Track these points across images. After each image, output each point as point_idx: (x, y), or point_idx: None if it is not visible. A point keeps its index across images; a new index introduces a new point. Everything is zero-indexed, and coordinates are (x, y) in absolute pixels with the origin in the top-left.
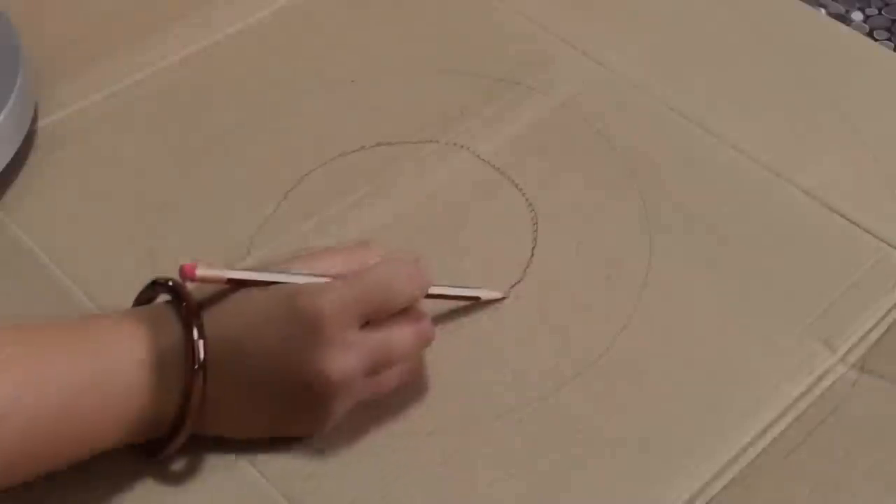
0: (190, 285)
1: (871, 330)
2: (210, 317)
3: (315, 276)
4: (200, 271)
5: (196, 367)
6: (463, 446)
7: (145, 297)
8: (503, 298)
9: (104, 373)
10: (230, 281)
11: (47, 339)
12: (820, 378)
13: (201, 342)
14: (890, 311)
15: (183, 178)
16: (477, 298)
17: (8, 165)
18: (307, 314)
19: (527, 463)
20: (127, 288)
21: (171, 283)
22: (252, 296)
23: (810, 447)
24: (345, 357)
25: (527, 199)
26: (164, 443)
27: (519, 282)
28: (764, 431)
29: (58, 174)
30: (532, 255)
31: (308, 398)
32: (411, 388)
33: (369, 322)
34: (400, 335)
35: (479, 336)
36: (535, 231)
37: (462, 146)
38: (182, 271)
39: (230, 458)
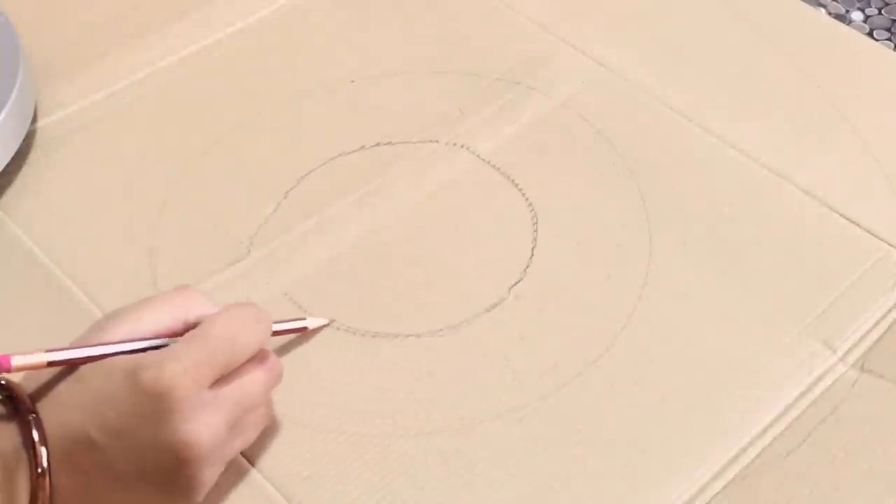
0: (19, 375)
1: (871, 329)
2: (48, 409)
3: (149, 343)
4: (16, 361)
5: (39, 471)
6: (462, 446)
7: None
8: (329, 324)
9: None
10: (52, 364)
11: None
12: (820, 378)
13: (43, 448)
14: (890, 310)
15: (183, 178)
16: (304, 329)
17: (8, 165)
18: (155, 390)
19: (527, 463)
20: (127, 288)
21: (1, 382)
22: (85, 377)
23: (810, 447)
24: (207, 420)
25: (527, 199)
26: None
27: (519, 282)
28: (764, 431)
29: (58, 174)
30: (532, 255)
31: (179, 472)
32: (412, 391)
33: (220, 377)
34: (252, 381)
35: (479, 334)
36: (535, 231)
37: (462, 146)
38: None
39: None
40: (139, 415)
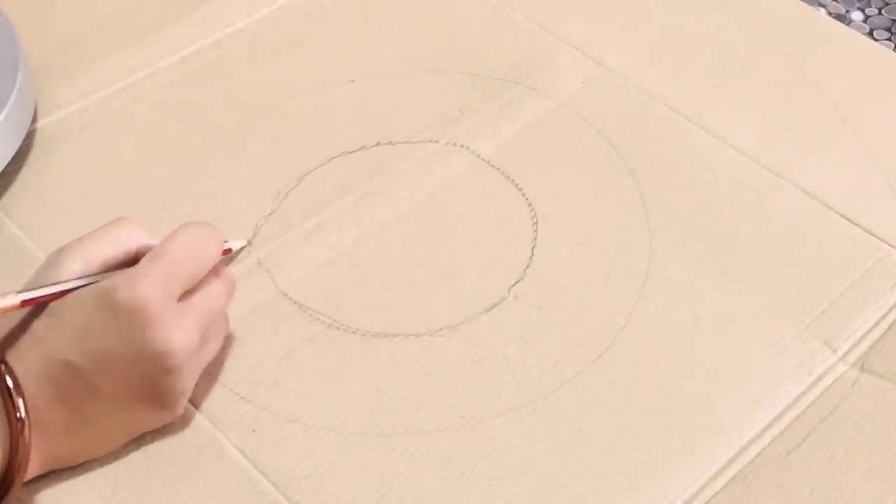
0: None
1: (871, 329)
2: (26, 349)
3: (108, 276)
4: None
5: (18, 417)
6: (462, 446)
7: None
8: (246, 245)
9: None
10: (25, 303)
11: None
12: (820, 378)
13: (20, 399)
14: (890, 310)
15: (182, 178)
16: (228, 251)
17: (8, 165)
18: (131, 307)
19: (527, 462)
20: None
21: None
22: (57, 312)
23: (810, 447)
24: (181, 330)
25: (527, 199)
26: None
27: (519, 281)
28: (763, 431)
29: (57, 174)
30: (532, 254)
31: (162, 383)
32: (412, 390)
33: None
34: (214, 292)
35: (479, 334)
36: (535, 231)
37: (462, 146)
38: None
39: (230, 457)
40: (118, 335)
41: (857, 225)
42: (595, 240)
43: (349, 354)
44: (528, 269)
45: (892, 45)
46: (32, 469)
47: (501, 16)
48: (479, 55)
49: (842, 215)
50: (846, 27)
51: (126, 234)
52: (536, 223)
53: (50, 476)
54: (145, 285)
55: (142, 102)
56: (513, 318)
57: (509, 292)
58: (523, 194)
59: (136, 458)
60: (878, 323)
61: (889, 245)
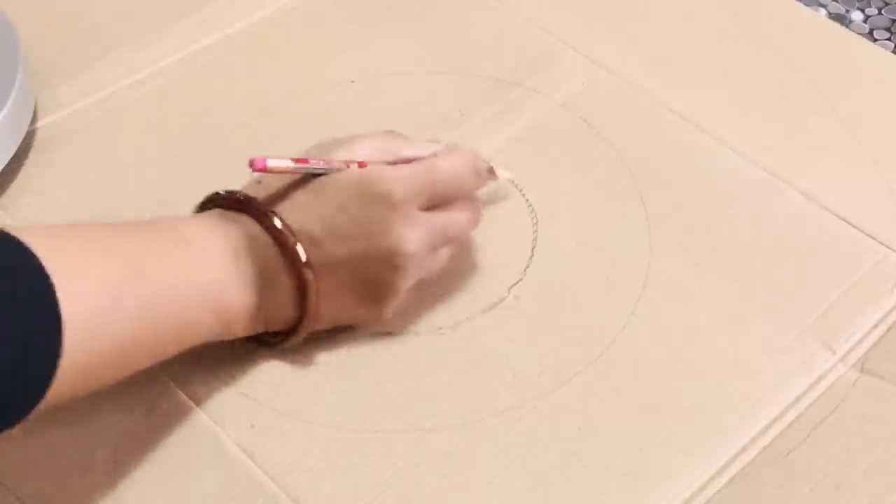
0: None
1: (870, 331)
2: (285, 212)
3: (382, 162)
4: (271, 163)
5: (304, 260)
6: (462, 444)
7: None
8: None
9: (197, 261)
10: (297, 164)
11: (138, 234)
12: (820, 378)
13: (299, 244)
14: (889, 312)
15: (182, 178)
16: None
17: (7, 165)
18: (383, 197)
19: (526, 461)
20: None
21: (224, 193)
22: (319, 188)
23: (810, 446)
24: (417, 233)
25: (527, 200)
26: (284, 336)
27: (519, 281)
28: (764, 431)
29: (57, 174)
30: (532, 254)
31: (384, 278)
32: (413, 388)
33: (432, 206)
34: (459, 217)
35: (479, 334)
36: (535, 231)
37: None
38: (252, 164)
39: (230, 453)
40: (367, 220)
41: (856, 228)
42: (595, 240)
43: (349, 352)
44: (528, 270)
45: (893, 45)
46: None
47: (502, 17)
48: (479, 56)
49: (840, 218)
50: (845, 29)
51: (395, 142)
52: (536, 224)
53: (52, 470)
54: (402, 181)
55: (142, 102)
56: (513, 318)
57: (509, 292)
58: (523, 195)
59: (135, 452)
60: (877, 325)
61: (888, 248)
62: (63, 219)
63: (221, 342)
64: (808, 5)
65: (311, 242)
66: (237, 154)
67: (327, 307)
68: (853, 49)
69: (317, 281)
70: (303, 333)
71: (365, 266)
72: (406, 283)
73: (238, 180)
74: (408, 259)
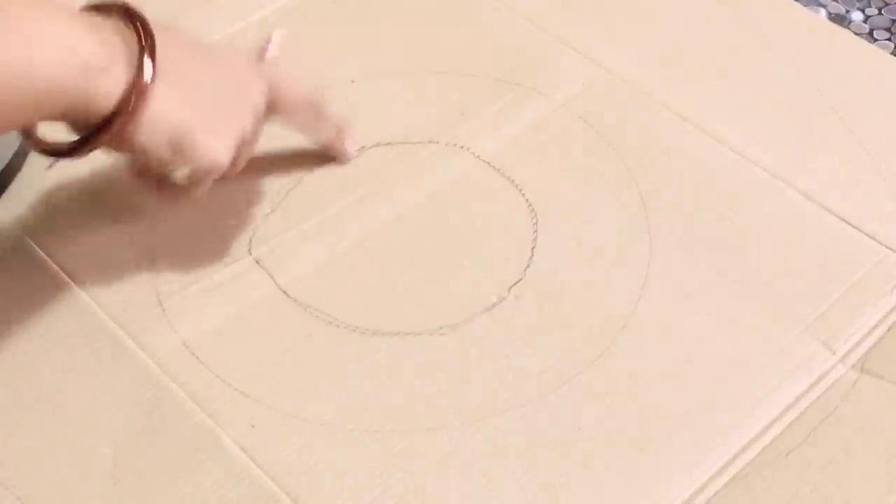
0: None
1: (870, 331)
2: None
3: None
4: None
5: (144, 45)
6: (463, 443)
7: None
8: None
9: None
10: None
11: None
12: (820, 378)
13: (151, 36)
14: (889, 312)
15: None
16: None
17: (8, 164)
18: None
19: (526, 460)
20: (126, 286)
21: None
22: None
23: (811, 446)
24: (263, 86)
25: (526, 200)
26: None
27: (519, 281)
28: (764, 431)
29: (57, 174)
30: (532, 255)
31: (233, 102)
32: (411, 388)
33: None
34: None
35: (479, 334)
36: (535, 231)
37: (462, 147)
38: None
39: (228, 454)
40: (225, 58)
41: (856, 228)
42: (595, 240)
43: (348, 352)
44: (527, 270)
45: (893, 45)
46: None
47: (502, 17)
48: (479, 56)
49: (840, 218)
50: (846, 30)
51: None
52: (536, 223)
53: (51, 470)
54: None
55: None
56: (513, 318)
57: (509, 292)
58: (523, 195)
59: (135, 452)
60: (877, 325)
61: (888, 248)
62: (63, 218)
63: (221, 341)
64: (807, 5)
65: (175, 47)
66: None
67: (160, 109)
68: (853, 50)
69: (155, 78)
70: (122, 123)
71: (213, 83)
72: (249, 119)
73: (238, 180)
74: (257, 91)
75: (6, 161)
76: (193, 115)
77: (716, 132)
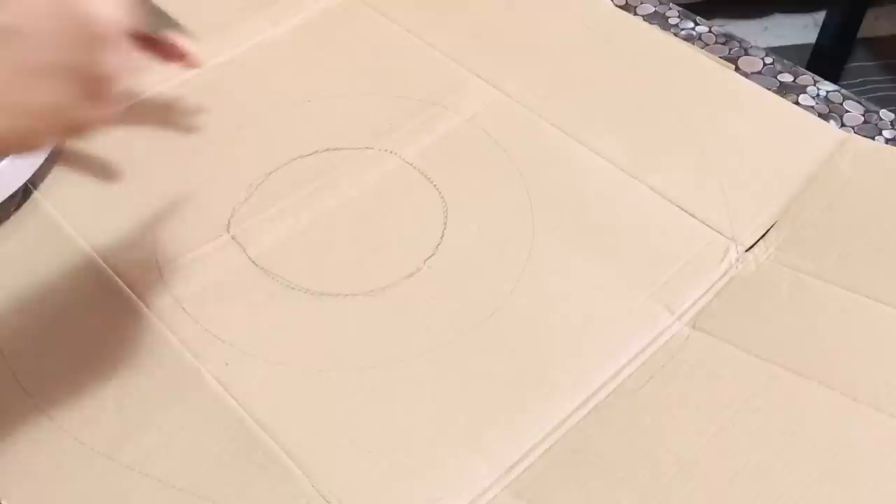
0: None
1: (701, 296)
2: None
3: None
4: None
5: None
6: (388, 380)
7: None
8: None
9: None
10: None
11: None
12: (661, 333)
13: None
14: (716, 282)
15: (178, 171)
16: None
17: (48, 158)
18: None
19: (436, 393)
20: (134, 254)
21: None
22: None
23: (652, 387)
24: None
25: (440, 193)
26: None
27: (432, 256)
28: (617, 373)
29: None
30: (443, 235)
31: (84, 44)
32: (349, 336)
33: None
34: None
35: (401, 296)
36: (446, 217)
37: (391, 152)
38: None
39: (207, 385)
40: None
41: (692, 216)
42: (491, 224)
43: (302, 308)
44: (439, 247)
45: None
46: None
47: (424, 53)
48: (406, 82)
49: (680, 208)
50: (696, 49)
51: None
52: (447, 211)
53: (70, 388)
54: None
55: (147, 112)
56: (427, 284)
57: (425, 263)
58: (437, 190)
59: (136, 382)
60: (706, 291)
61: (717, 231)
62: (87, 199)
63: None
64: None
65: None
66: (219, 155)
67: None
68: (700, 67)
69: None
70: None
71: (64, 46)
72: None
73: (220, 174)
74: (103, 26)
75: (47, 152)
76: None
77: (587, 142)
